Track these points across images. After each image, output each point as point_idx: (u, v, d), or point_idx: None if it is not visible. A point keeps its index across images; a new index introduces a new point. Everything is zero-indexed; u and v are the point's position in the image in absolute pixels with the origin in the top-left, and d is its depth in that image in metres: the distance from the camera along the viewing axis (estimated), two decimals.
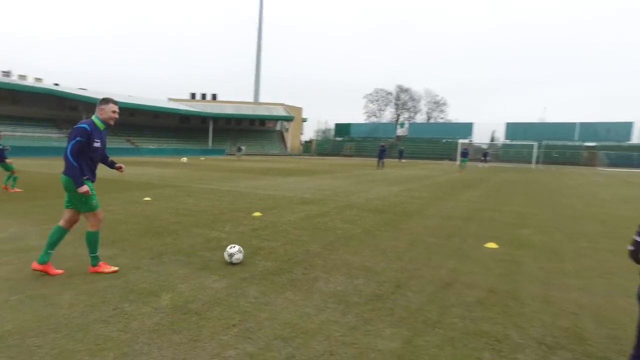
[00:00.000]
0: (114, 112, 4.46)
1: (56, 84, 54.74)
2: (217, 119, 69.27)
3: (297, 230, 6.75)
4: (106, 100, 4.43)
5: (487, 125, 69.44)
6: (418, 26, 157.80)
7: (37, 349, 2.76)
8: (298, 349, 2.82)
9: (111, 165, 4.79)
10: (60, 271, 4.38)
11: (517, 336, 3.09)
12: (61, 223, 4.40)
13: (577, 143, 59.82)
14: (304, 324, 3.22)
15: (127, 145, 53.82)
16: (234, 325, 3.15)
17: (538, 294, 4.00)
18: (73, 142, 4.14)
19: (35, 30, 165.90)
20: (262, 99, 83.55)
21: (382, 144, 34.30)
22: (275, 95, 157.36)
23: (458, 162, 34.96)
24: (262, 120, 77.15)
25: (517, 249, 5.86)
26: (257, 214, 8.22)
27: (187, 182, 14.81)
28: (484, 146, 65.41)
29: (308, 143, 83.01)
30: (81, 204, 4.31)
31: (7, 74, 53.82)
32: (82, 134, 4.18)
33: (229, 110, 71.52)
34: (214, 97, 76.66)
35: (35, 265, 4.29)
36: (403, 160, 47.14)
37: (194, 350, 2.79)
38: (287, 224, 7.33)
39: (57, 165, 24.49)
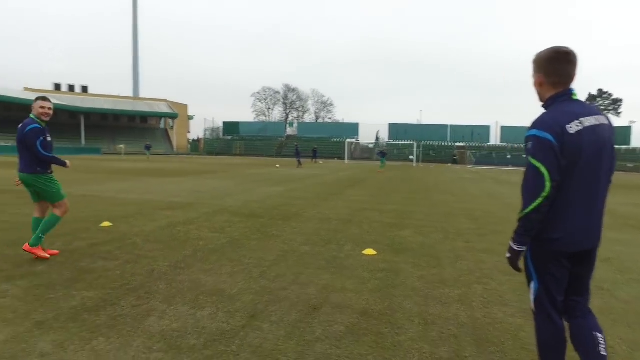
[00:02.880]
0: (42, 108, 4.63)
1: None
2: (90, 114, 62.32)
3: (149, 244, 5.58)
4: (36, 99, 4.69)
5: (372, 126, 72.97)
6: (304, 28, 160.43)
7: None
8: None
9: None
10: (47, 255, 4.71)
11: None
12: (37, 215, 4.85)
13: (450, 143, 65.88)
14: None
15: None
16: None
17: (416, 312, 3.48)
18: (39, 142, 4.53)
19: None
20: (143, 95, 77.20)
21: (296, 144, 39.43)
22: (157, 91, 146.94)
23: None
24: (144, 117, 71.49)
25: (396, 254, 5.45)
26: (106, 224, 6.80)
27: None
28: (371, 146, 68.65)
29: (196, 142, 79.10)
30: (51, 196, 4.72)
31: None
32: (40, 132, 4.57)
33: (104, 105, 64.84)
34: (85, 89, 68.76)
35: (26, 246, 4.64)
36: (320, 162, 45.10)
37: None
38: (139, 235, 6.09)
39: None
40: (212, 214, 8.18)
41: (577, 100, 2.08)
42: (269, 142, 71.67)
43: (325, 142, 70.25)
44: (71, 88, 67.40)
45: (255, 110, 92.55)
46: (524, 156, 2.09)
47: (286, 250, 5.47)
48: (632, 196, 15.65)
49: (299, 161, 33.31)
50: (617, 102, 77.34)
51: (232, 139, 75.41)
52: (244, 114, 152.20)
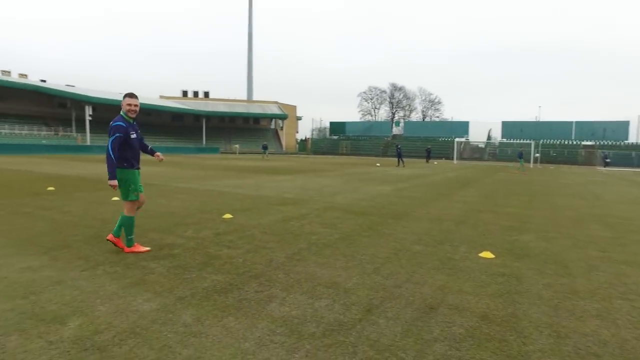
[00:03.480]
0: (129, 104, 4.71)
1: (43, 81, 53.53)
2: (210, 117, 68.39)
3: (266, 236, 5.94)
4: (124, 96, 4.75)
5: (484, 124, 68.65)
6: (412, 24, 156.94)
7: None
8: None
9: (151, 152, 5.20)
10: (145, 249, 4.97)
11: None
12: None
13: (575, 142, 59.11)
14: None
15: None
16: None
17: (545, 322, 3.19)
18: (112, 138, 4.56)
19: (22, 27, 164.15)
20: (255, 97, 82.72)
21: (397, 144, 38.43)
22: (269, 94, 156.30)
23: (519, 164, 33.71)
24: (257, 119, 76.29)
25: (517, 259, 5.06)
26: (227, 216, 7.41)
27: (166, 181, 13.98)
28: (482, 145, 64.78)
29: (304, 141, 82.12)
30: (121, 193, 4.82)
31: None
32: (119, 129, 4.60)
33: (222, 108, 70.68)
34: (207, 94, 75.75)
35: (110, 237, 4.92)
36: (435, 162, 43.05)
37: None
38: (257, 227, 6.52)
39: (43, 163, 23.61)
40: (322, 210, 8.43)
41: None
42: (374, 142, 71.53)
43: (432, 141, 68.05)
44: (195, 94, 74.72)
45: (362, 110, 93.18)
46: None
47: (398, 248, 5.41)
48: None
49: (401, 161, 32.72)
50: None
51: (339, 139, 76.79)
52: (351, 114, 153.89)
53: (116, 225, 4.88)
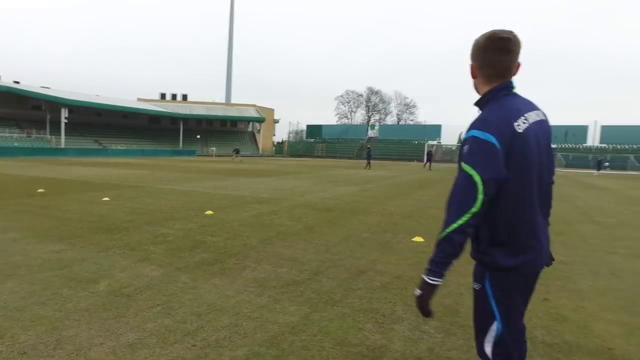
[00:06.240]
0: None
1: (16, 82, 53.14)
2: (188, 119, 68.78)
3: (243, 227, 7.20)
4: None
5: (456, 127, 71.28)
6: (389, 31, 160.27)
7: None
8: (209, 322, 3.29)
9: None
10: None
11: (401, 311, 3.65)
12: None
13: None
14: (220, 303, 3.69)
15: (95, 146, 52.90)
16: (158, 305, 3.60)
17: None
18: None
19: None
20: (233, 100, 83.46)
21: (368, 146, 36.85)
22: (247, 97, 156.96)
23: None
24: (234, 122, 76.98)
25: None
26: (209, 212, 8.62)
27: (150, 183, 15.01)
28: (453, 148, 67.14)
29: (280, 144, 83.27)
30: None
31: None
32: None
33: (200, 111, 71.13)
34: (185, 97, 76.09)
35: None
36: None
37: (118, 323, 3.22)
38: (235, 221, 7.76)
39: (21, 166, 24.09)
40: (292, 207, 9.73)
41: (518, 95, 1.80)
42: (349, 145, 73.38)
43: (406, 144, 70.20)
44: (174, 96, 75.06)
45: (338, 113, 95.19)
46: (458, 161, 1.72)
47: (349, 235, 6.76)
48: None
49: (368, 163, 33.91)
50: None
51: (315, 142, 78.32)
52: (328, 117, 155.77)
53: None
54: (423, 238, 6.62)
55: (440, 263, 1.66)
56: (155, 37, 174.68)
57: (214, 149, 61.05)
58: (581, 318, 3.64)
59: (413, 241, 6.47)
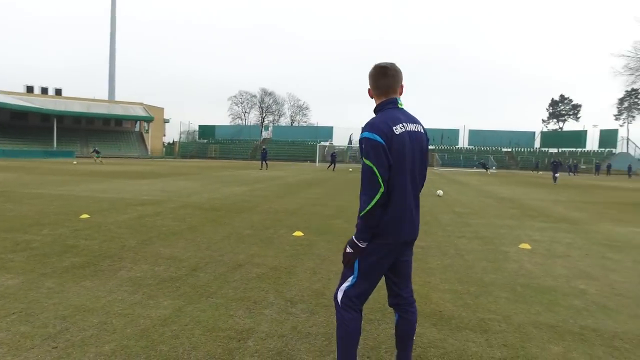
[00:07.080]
0: None
1: None
2: (63, 117, 62.15)
3: (121, 229, 6.93)
4: None
5: (346, 130, 74.77)
6: (284, 31, 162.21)
7: None
8: (74, 323, 3.22)
9: None
10: None
11: (272, 298, 3.94)
12: None
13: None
14: (89, 304, 3.62)
15: None
16: (13, 313, 3.39)
17: (311, 269, 4.96)
18: None
19: None
20: (118, 97, 77.19)
21: (264, 147, 37.30)
22: (133, 94, 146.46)
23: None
24: (119, 121, 71.46)
25: (318, 235, 6.95)
26: (84, 216, 8.09)
27: (13, 187, 13.44)
28: (345, 149, 70.22)
29: (171, 145, 79.44)
30: None
31: None
32: None
33: (78, 108, 64.68)
34: (58, 92, 68.40)
35: None
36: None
37: None
38: (113, 224, 7.42)
39: None
40: (177, 208, 9.55)
41: (402, 109, 2.38)
42: (243, 145, 72.77)
43: (300, 145, 71.70)
44: (44, 90, 67.01)
45: (232, 114, 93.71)
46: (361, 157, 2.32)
47: (231, 233, 6.91)
48: (556, 193, 17.65)
49: (264, 163, 34.39)
50: (576, 108, 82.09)
51: (208, 142, 76.15)
52: (221, 118, 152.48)
53: None
54: (303, 232, 7.03)
55: (365, 231, 2.22)
56: (17, 20, 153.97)
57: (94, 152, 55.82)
58: (424, 290, 4.30)
59: (293, 235, 6.84)
